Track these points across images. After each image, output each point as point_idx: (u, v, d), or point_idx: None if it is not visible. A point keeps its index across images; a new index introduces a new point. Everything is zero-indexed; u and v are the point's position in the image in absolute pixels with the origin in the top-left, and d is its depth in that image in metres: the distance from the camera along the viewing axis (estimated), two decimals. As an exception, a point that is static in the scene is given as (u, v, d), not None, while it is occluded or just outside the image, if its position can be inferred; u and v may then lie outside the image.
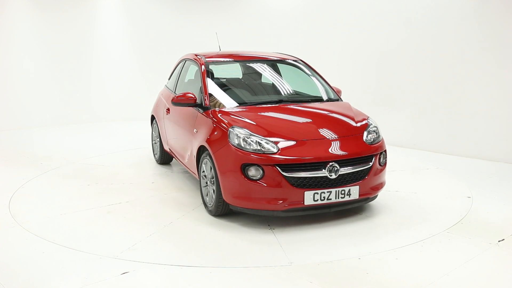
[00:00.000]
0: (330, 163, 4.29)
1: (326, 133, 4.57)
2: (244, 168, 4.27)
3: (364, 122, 4.88)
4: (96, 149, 7.83)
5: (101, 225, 4.59)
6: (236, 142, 4.37)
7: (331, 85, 5.80)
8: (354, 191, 4.41)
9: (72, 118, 10.29)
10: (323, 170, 4.27)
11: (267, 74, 5.95)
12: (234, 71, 6.15)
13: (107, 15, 10.58)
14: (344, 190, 4.35)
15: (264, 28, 10.01)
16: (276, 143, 4.33)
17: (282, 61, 5.96)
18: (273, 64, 5.99)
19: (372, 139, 4.69)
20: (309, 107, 5.19)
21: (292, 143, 4.39)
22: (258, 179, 4.24)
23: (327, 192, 4.29)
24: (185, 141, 5.40)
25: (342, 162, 4.37)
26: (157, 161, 6.89)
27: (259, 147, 4.30)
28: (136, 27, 10.81)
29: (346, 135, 4.61)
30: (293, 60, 5.94)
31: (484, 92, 7.01)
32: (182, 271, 3.62)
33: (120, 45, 10.78)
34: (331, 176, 4.29)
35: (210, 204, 4.75)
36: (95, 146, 8.08)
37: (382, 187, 4.78)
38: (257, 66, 5.99)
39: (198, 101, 5.19)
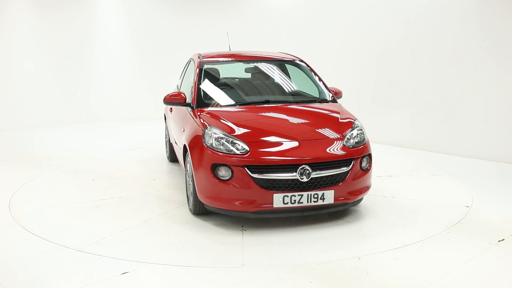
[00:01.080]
0: (302, 166, 4.20)
1: (303, 135, 4.48)
2: (214, 168, 4.27)
3: (348, 125, 4.73)
4: (97, 148, 7.84)
5: (83, 219, 4.71)
6: (210, 142, 4.38)
7: (332, 85, 5.77)
8: (328, 196, 4.26)
9: (72, 118, 10.30)
10: (295, 172, 4.20)
11: (263, 74, 5.91)
12: (232, 71, 6.17)
13: (107, 15, 10.58)
14: (317, 194, 4.22)
15: (264, 28, 10.01)
16: (249, 144, 4.30)
17: (281, 61, 5.93)
18: (272, 64, 5.95)
19: (354, 143, 4.54)
20: (294, 108, 5.13)
21: (265, 144, 4.34)
22: (228, 180, 4.22)
23: (298, 195, 4.17)
24: (178, 139, 5.48)
25: (316, 165, 4.25)
26: (168, 158, 7.01)
27: (230, 148, 4.28)
28: (136, 27, 10.82)
29: (324, 137, 4.48)
30: (293, 60, 5.89)
31: (484, 92, 7.01)
32: (182, 271, 3.62)
33: (120, 45, 10.78)
34: (302, 179, 4.18)
35: (190, 203, 4.80)
36: (96, 146, 8.09)
37: (364, 192, 4.60)
38: (255, 67, 5.98)
39: (188, 100, 5.22)
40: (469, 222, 4.58)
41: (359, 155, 4.49)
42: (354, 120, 4.85)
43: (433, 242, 4.11)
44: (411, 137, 7.91)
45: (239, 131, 4.47)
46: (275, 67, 5.97)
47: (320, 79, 5.67)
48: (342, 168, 4.36)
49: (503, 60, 6.78)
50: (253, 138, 4.39)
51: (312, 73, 5.73)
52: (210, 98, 5.22)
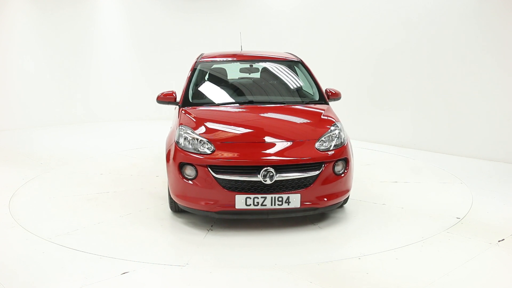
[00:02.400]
0: (265, 168, 4.11)
1: (272, 137, 4.39)
2: (181, 166, 4.31)
3: (326, 127, 4.55)
4: (97, 148, 7.83)
5: (67, 211, 4.85)
6: (180, 141, 4.43)
7: (331, 86, 5.72)
8: (294, 199, 4.13)
9: (73, 118, 10.30)
10: (258, 174, 4.11)
11: (258, 74, 5.88)
12: (231, 71, 6.17)
13: (107, 15, 10.58)
14: (281, 197, 4.12)
15: (264, 27, 10.01)
16: (216, 144, 4.29)
17: (279, 61, 5.83)
18: (269, 64, 5.87)
19: (329, 146, 4.37)
20: (276, 108, 5.01)
21: (232, 145, 4.32)
22: (192, 179, 4.25)
23: (262, 197, 4.10)
24: None
25: (281, 167, 4.15)
26: None
27: (198, 147, 4.30)
28: (136, 27, 10.81)
29: (295, 139, 4.37)
30: (291, 60, 5.79)
31: (484, 92, 7.01)
32: (182, 271, 3.62)
33: (120, 44, 10.78)
34: (265, 181, 4.11)
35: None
36: (97, 145, 8.09)
37: (337, 197, 4.37)
38: (249, 67, 5.97)
39: (178, 99, 5.26)
40: (469, 222, 4.58)
41: (331, 159, 4.31)
42: (335, 122, 4.67)
43: (433, 242, 4.11)
44: (411, 137, 7.91)
45: (211, 131, 4.48)
46: (271, 67, 5.85)
47: (314, 79, 5.52)
48: (310, 172, 4.23)
49: (503, 60, 6.78)
50: (223, 139, 4.38)
51: (308, 72, 5.61)
52: (196, 98, 5.25)
